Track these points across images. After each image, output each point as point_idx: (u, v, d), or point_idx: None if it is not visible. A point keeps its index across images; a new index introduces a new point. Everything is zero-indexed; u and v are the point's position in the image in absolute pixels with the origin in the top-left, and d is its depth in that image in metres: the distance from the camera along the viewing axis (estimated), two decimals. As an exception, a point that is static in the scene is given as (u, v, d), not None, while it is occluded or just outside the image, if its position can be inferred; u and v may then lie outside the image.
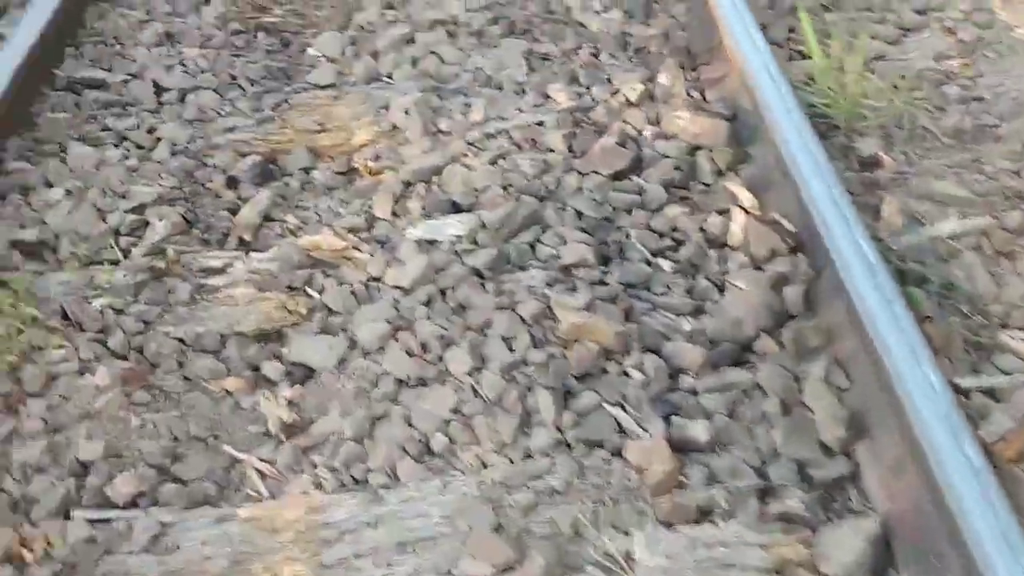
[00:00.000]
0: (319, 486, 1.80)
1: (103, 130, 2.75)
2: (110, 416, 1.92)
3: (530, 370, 1.92)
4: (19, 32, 2.89)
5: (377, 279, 2.23)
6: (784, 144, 2.24)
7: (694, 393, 1.87)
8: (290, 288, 2.22)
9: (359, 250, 2.33)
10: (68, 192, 2.48)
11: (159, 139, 2.71)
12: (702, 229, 2.23)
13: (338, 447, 1.86)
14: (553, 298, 2.04)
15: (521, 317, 2.02)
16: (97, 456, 1.83)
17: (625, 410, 1.83)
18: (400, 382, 1.96)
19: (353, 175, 2.62)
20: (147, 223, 2.40)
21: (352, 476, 1.80)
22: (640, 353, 1.93)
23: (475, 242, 2.27)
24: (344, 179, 2.61)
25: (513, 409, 1.85)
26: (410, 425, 1.87)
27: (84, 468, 1.83)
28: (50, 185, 2.54)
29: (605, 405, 1.84)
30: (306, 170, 2.66)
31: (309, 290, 2.22)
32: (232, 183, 2.61)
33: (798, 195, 2.14)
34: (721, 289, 2.09)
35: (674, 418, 1.81)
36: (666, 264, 2.17)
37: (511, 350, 1.96)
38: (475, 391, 1.91)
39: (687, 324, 2.00)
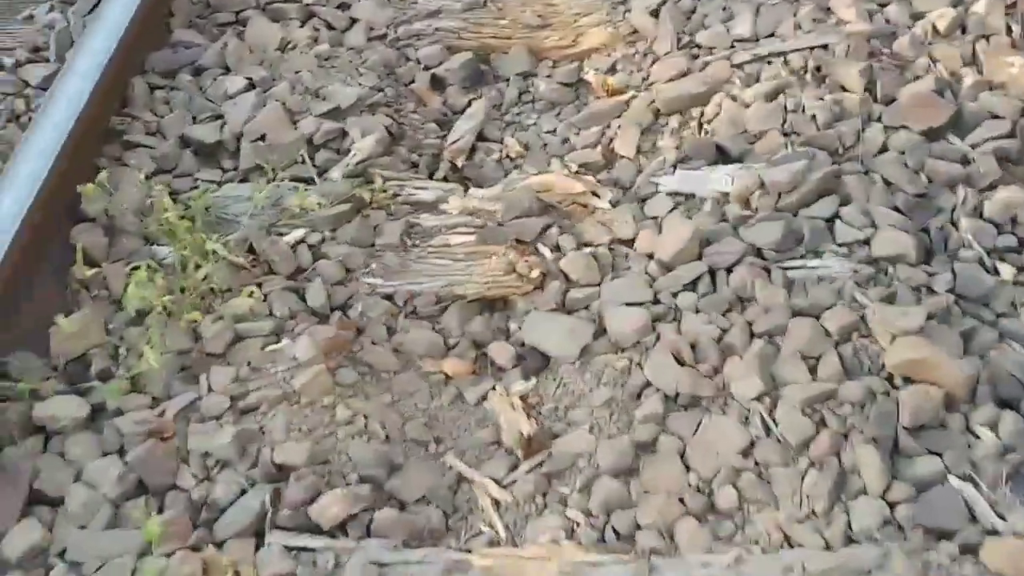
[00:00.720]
0: (571, 533, 1.43)
1: (287, 0, 2.30)
2: (312, 402, 1.55)
3: (844, 409, 1.49)
4: None
5: (626, 242, 1.80)
6: None
7: (1067, 474, 1.43)
8: (519, 243, 1.81)
9: (599, 197, 1.89)
10: (250, 82, 2.06)
11: (353, 20, 2.26)
12: (1053, 228, 1.74)
13: (592, 481, 1.47)
14: (872, 309, 1.59)
15: (825, 329, 1.58)
16: (300, 461, 1.47)
17: (977, 487, 1.40)
18: (668, 399, 1.55)
19: (583, 89, 2.16)
20: (345, 133, 1.98)
21: (614, 529, 1.42)
22: (993, 406, 1.48)
23: (749, 206, 1.81)
24: (572, 93, 2.15)
25: (823, 463, 1.44)
26: (686, 465, 1.47)
27: (282, 472, 1.48)
28: (227, 70, 2.13)
29: (951, 477, 1.41)
30: (525, 76, 2.20)
31: (542, 247, 1.80)
32: (438, 84, 2.17)
33: None
34: (1086, 322, 1.61)
35: (1045, 510, 1.38)
36: (1007, 271, 1.69)
37: (813, 375, 1.54)
38: (768, 428, 1.49)
39: (1047, 368, 1.53)
